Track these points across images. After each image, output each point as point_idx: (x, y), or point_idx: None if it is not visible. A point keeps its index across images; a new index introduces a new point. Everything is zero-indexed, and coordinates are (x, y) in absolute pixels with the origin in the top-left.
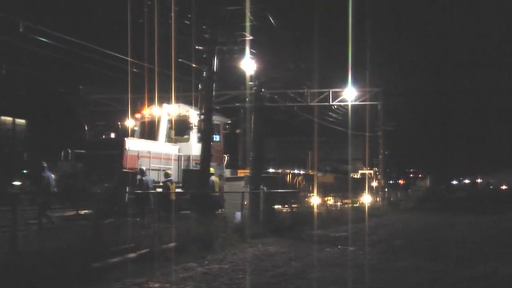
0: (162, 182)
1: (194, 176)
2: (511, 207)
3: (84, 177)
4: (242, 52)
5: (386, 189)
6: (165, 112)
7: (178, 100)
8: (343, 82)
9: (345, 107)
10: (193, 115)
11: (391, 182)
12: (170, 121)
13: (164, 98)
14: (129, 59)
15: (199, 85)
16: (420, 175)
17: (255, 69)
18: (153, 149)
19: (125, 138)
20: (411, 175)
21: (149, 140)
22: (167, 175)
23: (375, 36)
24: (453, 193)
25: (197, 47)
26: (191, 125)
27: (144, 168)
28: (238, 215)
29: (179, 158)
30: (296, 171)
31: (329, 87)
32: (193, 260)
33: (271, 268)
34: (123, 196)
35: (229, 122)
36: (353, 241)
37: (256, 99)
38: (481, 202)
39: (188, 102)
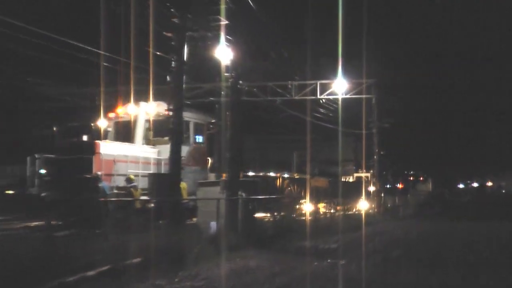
0: (121, 187)
1: (162, 181)
2: None
3: (46, 184)
4: (216, 39)
5: (382, 194)
6: (142, 111)
7: (157, 97)
8: (332, 73)
9: (335, 102)
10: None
11: (388, 186)
12: (148, 121)
13: (139, 95)
14: (102, 52)
15: (167, 77)
16: (421, 178)
17: (232, 58)
18: (131, 152)
19: (99, 141)
20: (411, 178)
21: (125, 143)
22: (129, 180)
23: (370, 20)
24: (458, 198)
25: (164, 33)
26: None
27: (99, 173)
28: (213, 224)
29: (158, 162)
30: (280, 174)
31: (316, 78)
32: (162, 277)
33: (251, 284)
34: (81, 205)
35: (213, 121)
36: (345, 253)
37: (233, 92)
38: (491, 208)
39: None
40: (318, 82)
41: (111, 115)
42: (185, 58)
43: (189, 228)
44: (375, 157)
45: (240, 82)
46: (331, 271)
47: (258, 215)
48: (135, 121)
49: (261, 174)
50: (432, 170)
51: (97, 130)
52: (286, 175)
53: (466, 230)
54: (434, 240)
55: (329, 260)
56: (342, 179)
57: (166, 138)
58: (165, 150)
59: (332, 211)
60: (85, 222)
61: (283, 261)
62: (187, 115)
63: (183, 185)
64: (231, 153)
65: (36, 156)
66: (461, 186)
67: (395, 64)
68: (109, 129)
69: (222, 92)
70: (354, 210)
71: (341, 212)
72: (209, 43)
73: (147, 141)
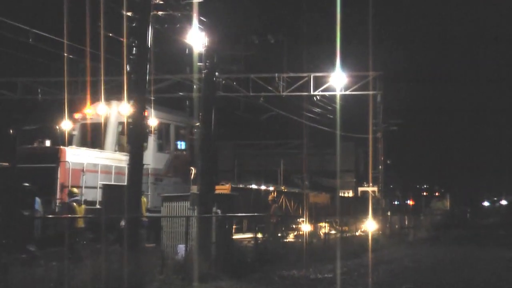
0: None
1: (116, 194)
2: None
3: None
4: (187, 21)
5: (388, 213)
6: (114, 112)
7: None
8: (329, 65)
9: (332, 99)
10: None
11: (396, 202)
12: (121, 123)
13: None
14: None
15: (127, 67)
16: (436, 194)
17: (206, 45)
18: (101, 161)
19: (65, 147)
20: (424, 194)
21: (95, 149)
22: (72, 194)
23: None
24: (483, 219)
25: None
26: (149, 129)
27: (27, 184)
28: (181, 248)
29: None
30: (265, 187)
31: (309, 70)
32: None
33: None
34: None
35: (197, 124)
36: (343, 285)
37: (207, 86)
38: None
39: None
40: (312, 75)
41: (77, 115)
42: (149, 44)
43: (149, 253)
44: (380, 167)
45: (216, 73)
46: None
47: (237, 236)
48: (105, 124)
49: (240, 186)
50: (451, 183)
51: (61, 134)
52: (271, 188)
53: (493, 260)
54: (453, 271)
55: None
56: (341, 194)
57: (145, 143)
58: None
59: (332, 231)
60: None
61: None
62: (167, 117)
63: (143, 199)
64: (203, 161)
65: None
66: (486, 204)
67: (405, 54)
68: (74, 132)
69: (194, 86)
70: (359, 231)
71: (339, 234)
72: (179, 25)
73: (120, 147)
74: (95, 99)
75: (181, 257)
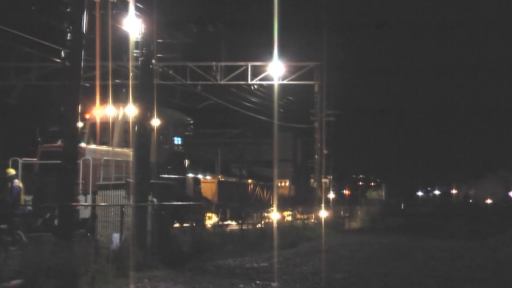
0: None
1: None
2: (498, 230)
3: None
4: (124, 7)
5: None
6: (120, 113)
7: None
8: (267, 54)
9: (270, 88)
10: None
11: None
12: (127, 123)
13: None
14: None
15: (62, 53)
16: (372, 183)
17: (143, 32)
18: (114, 156)
19: (86, 146)
20: (360, 183)
21: (108, 146)
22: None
23: None
24: (417, 208)
25: None
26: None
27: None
28: (115, 238)
29: None
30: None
31: (248, 59)
32: None
33: None
34: None
35: (191, 122)
36: (278, 274)
37: (143, 74)
38: (455, 222)
39: None
40: (250, 64)
41: (88, 116)
42: (84, 30)
43: (83, 242)
44: (316, 157)
45: (153, 61)
46: None
47: (177, 226)
48: (113, 123)
49: (175, 176)
50: (387, 174)
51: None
52: (208, 177)
53: (426, 250)
54: (387, 260)
55: (258, 282)
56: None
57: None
58: None
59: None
60: None
61: (200, 283)
62: (167, 113)
63: (20, 186)
64: (138, 149)
65: (20, 160)
66: (420, 193)
67: (345, 44)
68: (85, 130)
69: (130, 74)
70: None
71: (275, 225)
72: (115, 11)
73: (126, 144)
74: (102, 101)
75: (116, 246)
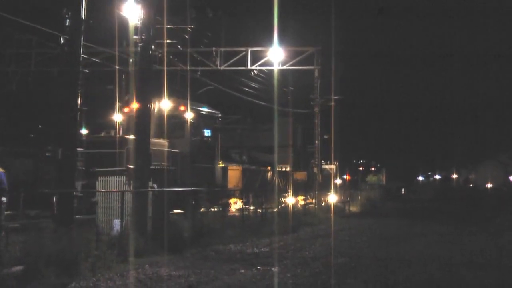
0: None
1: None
2: (497, 214)
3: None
4: None
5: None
6: (156, 107)
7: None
8: (267, 39)
9: (270, 74)
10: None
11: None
12: (162, 116)
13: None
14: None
15: (61, 39)
16: (372, 168)
17: (142, 17)
18: (151, 146)
19: (129, 136)
20: (361, 168)
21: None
22: None
23: None
24: (417, 193)
25: None
26: (185, 120)
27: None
28: (116, 223)
29: (173, 154)
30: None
31: (247, 45)
32: None
33: None
34: None
35: (220, 115)
36: (279, 259)
37: (143, 60)
38: (456, 206)
39: None
40: (249, 50)
41: (126, 110)
42: (83, 15)
43: (84, 228)
44: (316, 142)
45: (152, 47)
46: (261, 282)
47: (174, 211)
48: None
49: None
50: (387, 158)
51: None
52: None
53: (426, 235)
54: (387, 245)
55: (258, 267)
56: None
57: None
58: (179, 144)
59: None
60: None
61: (201, 269)
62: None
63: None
64: (138, 135)
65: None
66: (421, 178)
67: (345, 29)
68: (123, 123)
69: (130, 60)
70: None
71: (276, 209)
72: None
73: (161, 135)
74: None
75: (116, 232)
